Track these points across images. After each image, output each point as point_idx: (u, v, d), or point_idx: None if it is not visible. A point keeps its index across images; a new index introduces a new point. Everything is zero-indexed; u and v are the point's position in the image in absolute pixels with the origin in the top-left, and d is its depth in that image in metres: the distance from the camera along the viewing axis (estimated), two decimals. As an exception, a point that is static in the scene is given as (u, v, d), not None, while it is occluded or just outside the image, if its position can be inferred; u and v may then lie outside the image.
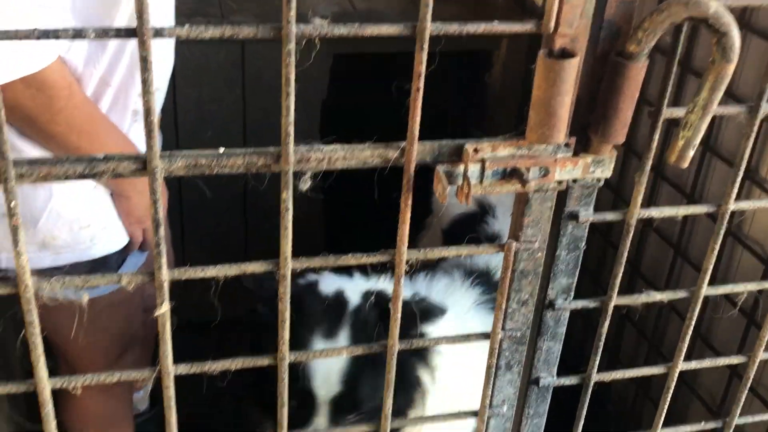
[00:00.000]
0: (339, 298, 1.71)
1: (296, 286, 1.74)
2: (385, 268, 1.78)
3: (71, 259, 1.72)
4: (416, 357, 1.70)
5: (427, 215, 2.61)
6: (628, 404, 2.81)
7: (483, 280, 1.99)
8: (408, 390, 1.71)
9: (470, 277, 1.99)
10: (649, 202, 2.49)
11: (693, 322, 1.12)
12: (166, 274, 0.84)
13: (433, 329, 1.65)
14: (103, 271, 1.81)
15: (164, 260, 0.83)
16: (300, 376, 1.61)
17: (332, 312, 1.68)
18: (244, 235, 3.23)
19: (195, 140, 2.98)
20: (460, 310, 1.80)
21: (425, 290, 1.95)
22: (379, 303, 1.68)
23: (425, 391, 1.74)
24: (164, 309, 0.85)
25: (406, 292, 1.79)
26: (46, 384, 0.88)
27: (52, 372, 0.89)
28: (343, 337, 1.66)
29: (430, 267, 2.16)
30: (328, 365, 1.62)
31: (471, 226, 2.25)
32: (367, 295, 1.72)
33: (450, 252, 0.96)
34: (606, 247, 2.77)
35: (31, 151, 1.60)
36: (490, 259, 2.09)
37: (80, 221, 1.71)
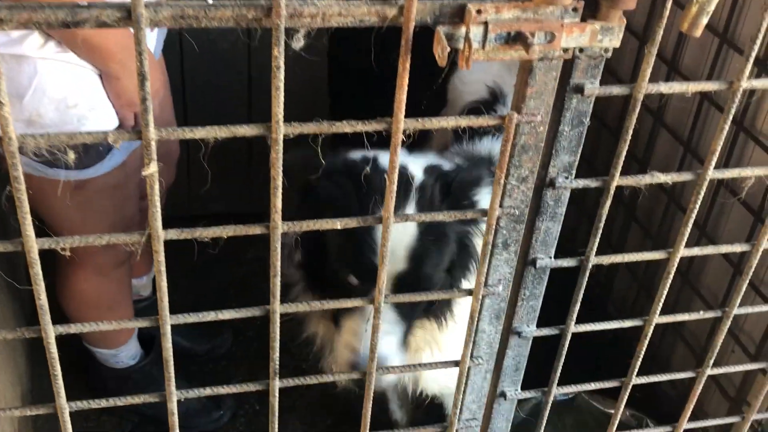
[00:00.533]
0: (404, 174, 1.66)
1: (354, 162, 1.72)
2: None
3: None
4: (471, 226, 1.70)
5: (442, 107, 2.57)
6: (629, 305, 2.84)
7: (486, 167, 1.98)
8: (466, 259, 1.72)
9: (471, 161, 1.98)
10: (661, 97, 2.44)
11: (697, 206, 1.10)
12: (153, 133, 0.82)
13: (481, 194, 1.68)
14: (93, 154, 1.80)
15: (151, 117, 0.81)
16: (366, 250, 1.60)
17: (399, 188, 1.64)
18: (247, 118, 3.21)
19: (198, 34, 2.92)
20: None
21: None
22: (444, 178, 1.67)
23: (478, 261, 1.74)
24: (152, 169, 0.84)
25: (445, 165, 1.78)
26: (33, 243, 0.87)
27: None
28: (409, 211, 1.63)
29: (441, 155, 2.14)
30: (395, 241, 1.59)
31: (482, 113, 2.22)
32: (428, 170, 1.70)
33: (449, 123, 0.93)
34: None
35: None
36: (493, 146, 2.06)
37: (67, 101, 1.68)
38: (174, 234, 0.91)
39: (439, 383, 2.04)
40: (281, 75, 0.81)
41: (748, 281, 1.27)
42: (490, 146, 2.06)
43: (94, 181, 1.83)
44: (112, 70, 1.71)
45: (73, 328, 0.99)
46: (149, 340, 2.49)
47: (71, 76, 1.68)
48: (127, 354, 2.38)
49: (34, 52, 1.62)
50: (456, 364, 1.21)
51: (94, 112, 1.74)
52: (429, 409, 2.43)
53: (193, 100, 3.09)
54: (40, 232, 0.91)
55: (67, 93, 1.68)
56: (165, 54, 2.14)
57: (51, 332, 0.97)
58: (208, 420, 2.55)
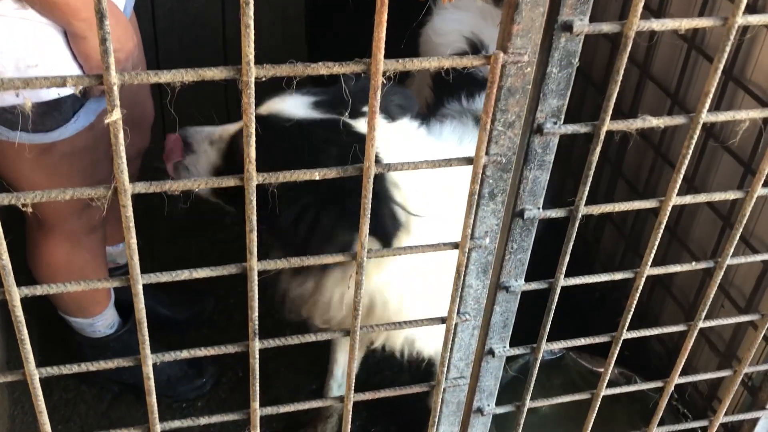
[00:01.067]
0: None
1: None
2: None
3: (20, 100, 1.64)
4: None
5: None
6: (615, 264, 2.82)
7: None
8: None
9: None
10: (648, 47, 2.40)
11: (690, 152, 1.07)
12: (114, 76, 0.77)
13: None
14: (57, 116, 1.74)
15: (112, 60, 0.76)
16: None
17: None
18: (223, 81, 3.16)
19: None
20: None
21: (438, 135, 1.90)
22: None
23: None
24: (115, 116, 0.79)
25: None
26: (-9, 199, 0.83)
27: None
28: None
29: (436, 114, 2.09)
30: None
31: (463, 69, 2.16)
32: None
33: (432, 64, 0.89)
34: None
35: None
36: None
37: (27, 59, 1.61)
38: (142, 187, 0.87)
39: (435, 346, 2.00)
40: (250, 11, 0.76)
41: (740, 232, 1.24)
42: None
43: (60, 144, 1.77)
44: (77, 28, 1.63)
45: (39, 290, 0.95)
46: (127, 308, 2.44)
47: (32, 33, 1.61)
48: (104, 323, 2.33)
49: None
50: (442, 320, 1.18)
51: (56, 72, 1.67)
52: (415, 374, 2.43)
53: (167, 62, 3.02)
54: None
55: (27, 52, 1.61)
56: (137, 16, 2.08)
57: (15, 294, 0.92)
58: (190, 387, 2.52)
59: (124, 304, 2.43)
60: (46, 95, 1.67)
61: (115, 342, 2.37)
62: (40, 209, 1.92)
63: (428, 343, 1.99)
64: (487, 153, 0.99)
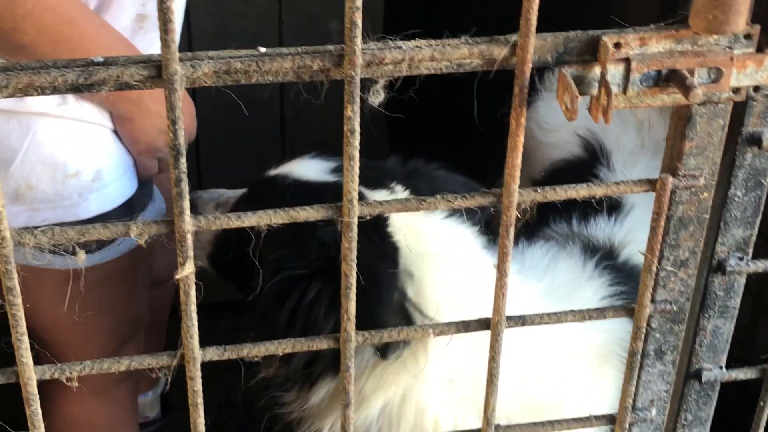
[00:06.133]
0: None
1: None
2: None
3: (52, 219, 1.72)
4: None
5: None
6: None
7: (609, 263, 1.92)
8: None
9: (593, 257, 1.92)
10: None
11: None
12: (188, 222, 0.84)
13: None
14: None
15: (186, 204, 0.83)
16: None
17: None
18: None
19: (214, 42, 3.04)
20: (581, 302, 1.75)
21: (517, 258, 1.90)
22: None
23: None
24: (188, 270, 0.85)
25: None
26: (32, 372, 0.89)
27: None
28: None
29: (535, 234, 2.10)
30: None
31: (575, 178, 2.16)
32: None
33: (581, 193, 0.94)
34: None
35: None
36: (613, 231, 2.02)
37: (67, 168, 1.70)
38: (214, 354, 0.93)
39: None
40: (356, 141, 0.82)
41: None
42: (609, 232, 2.01)
43: (96, 269, 1.85)
44: (122, 110, 1.73)
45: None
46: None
47: (74, 135, 1.71)
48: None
49: (29, 107, 1.66)
50: None
51: (98, 183, 1.75)
52: None
53: (217, 142, 3.19)
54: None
55: (68, 157, 1.70)
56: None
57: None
58: None
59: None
60: (85, 212, 1.75)
61: None
62: (62, 355, 1.99)
63: None
64: (653, 300, 1.02)
